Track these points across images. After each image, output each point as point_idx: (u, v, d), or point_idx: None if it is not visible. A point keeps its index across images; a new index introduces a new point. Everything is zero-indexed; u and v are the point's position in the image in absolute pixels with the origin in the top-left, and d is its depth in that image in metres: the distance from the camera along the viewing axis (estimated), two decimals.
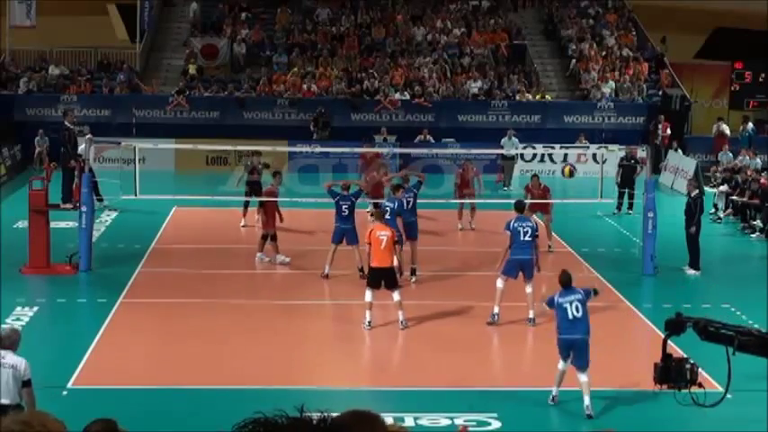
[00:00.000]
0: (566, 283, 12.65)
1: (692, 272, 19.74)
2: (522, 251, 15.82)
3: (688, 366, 6.24)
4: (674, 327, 6.24)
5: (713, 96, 37.46)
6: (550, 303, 12.68)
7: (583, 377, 12.34)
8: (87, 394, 12.71)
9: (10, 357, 10.05)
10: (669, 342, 6.44)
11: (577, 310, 12.41)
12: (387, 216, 17.59)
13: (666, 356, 6.28)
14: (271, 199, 19.95)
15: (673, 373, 6.24)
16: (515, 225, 15.94)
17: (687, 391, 6.23)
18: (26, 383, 10.04)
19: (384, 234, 15.54)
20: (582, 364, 12.31)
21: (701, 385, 6.24)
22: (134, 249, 20.80)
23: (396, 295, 15.54)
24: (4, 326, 11.25)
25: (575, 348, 12.34)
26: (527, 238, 15.83)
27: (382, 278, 15.50)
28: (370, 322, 15.58)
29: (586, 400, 12.32)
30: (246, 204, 22.74)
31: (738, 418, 11.99)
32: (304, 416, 2.72)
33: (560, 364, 12.48)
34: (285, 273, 19.46)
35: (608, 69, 35.29)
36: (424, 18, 37.80)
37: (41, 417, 2.88)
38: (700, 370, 6.44)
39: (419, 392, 13.28)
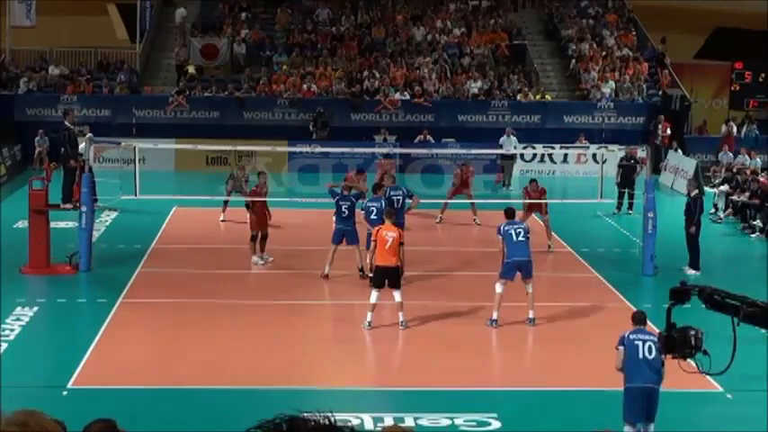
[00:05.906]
0: (640, 320, 11.17)
1: (692, 272, 19.67)
2: (519, 252, 15.79)
3: (692, 333, 6.05)
4: (678, 295, 6.01)
5: (713, 96, 37.46)
6: (621, 343, 10.94)
7: (651, 427, 10.87)
8: (87, 394, 12.71)
9: None
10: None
11: (650, 352, 10.69)
12: (373, 216, 17.69)
13: (670, 326, 6.14)
14: (258, 199, 19.76)
15: (677, 342, 6.08)
16: (506, 228, 15.87)
17: (692, 359, 6.04)
18: None
19: (391, 234, 15.52)
20: (652, 414, 10.83)
21: (706, 352, 6.05)
22: (134, 249, 20.80)
23: (397, 295, 15.53)
24: None
25: (650, 399, 10.75)
26: (520, 239, 15.74)
27: (386, 277, 15.49)
28: (370, 323, 15.57)
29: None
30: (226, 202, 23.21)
31: (738, 418, 11.99)
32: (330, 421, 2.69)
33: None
34: (285, 273, 19.42)
35: (608, 69, 35.27)
36: (424, 18, 37.79)
37: (38, 417, 2.83)
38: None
39: (419, 392, 13.27)
